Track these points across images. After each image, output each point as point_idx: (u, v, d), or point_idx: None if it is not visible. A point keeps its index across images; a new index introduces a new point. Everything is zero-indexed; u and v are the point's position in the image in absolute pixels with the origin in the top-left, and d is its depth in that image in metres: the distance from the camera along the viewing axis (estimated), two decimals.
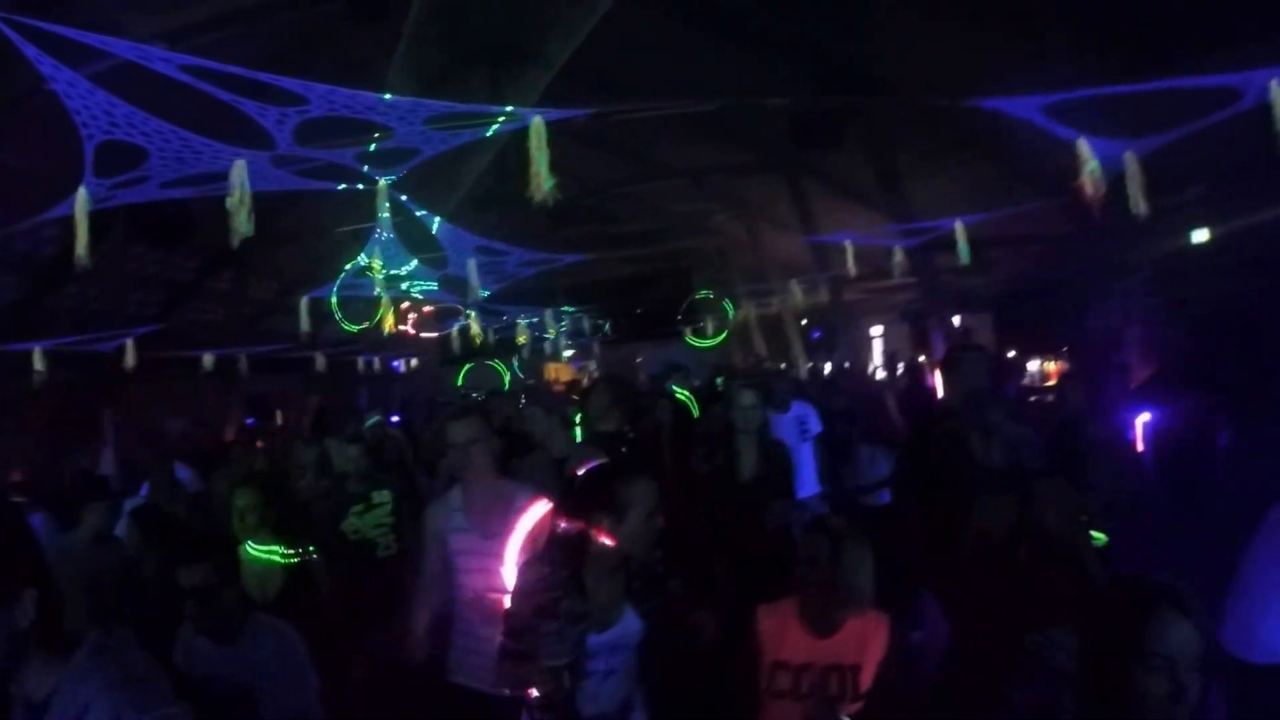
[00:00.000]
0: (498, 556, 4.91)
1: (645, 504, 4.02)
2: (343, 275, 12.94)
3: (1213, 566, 4.84)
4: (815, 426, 9.24)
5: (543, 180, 5.74)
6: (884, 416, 12.28)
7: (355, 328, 14.92)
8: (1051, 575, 5.32)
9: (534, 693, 4.07)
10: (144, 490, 8.67)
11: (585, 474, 5.32)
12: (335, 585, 5.97)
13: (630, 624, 4.14)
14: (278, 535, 5.76)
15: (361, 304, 14.84)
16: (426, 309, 21.67)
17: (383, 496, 7.33)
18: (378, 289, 11.32)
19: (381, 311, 12.73)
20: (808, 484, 9.02)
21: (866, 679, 4.12)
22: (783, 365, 20.92)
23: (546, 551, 4.30)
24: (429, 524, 5.29)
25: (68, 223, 11.93)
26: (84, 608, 5.09)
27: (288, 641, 4.34)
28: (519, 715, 4.38)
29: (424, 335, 22.37)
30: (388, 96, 5.44)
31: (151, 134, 5.69)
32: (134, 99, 5.31)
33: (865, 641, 4.15)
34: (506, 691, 4.54)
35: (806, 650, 4.14)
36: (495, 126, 6.55)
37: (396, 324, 13.22)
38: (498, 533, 4.97)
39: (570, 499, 4.92)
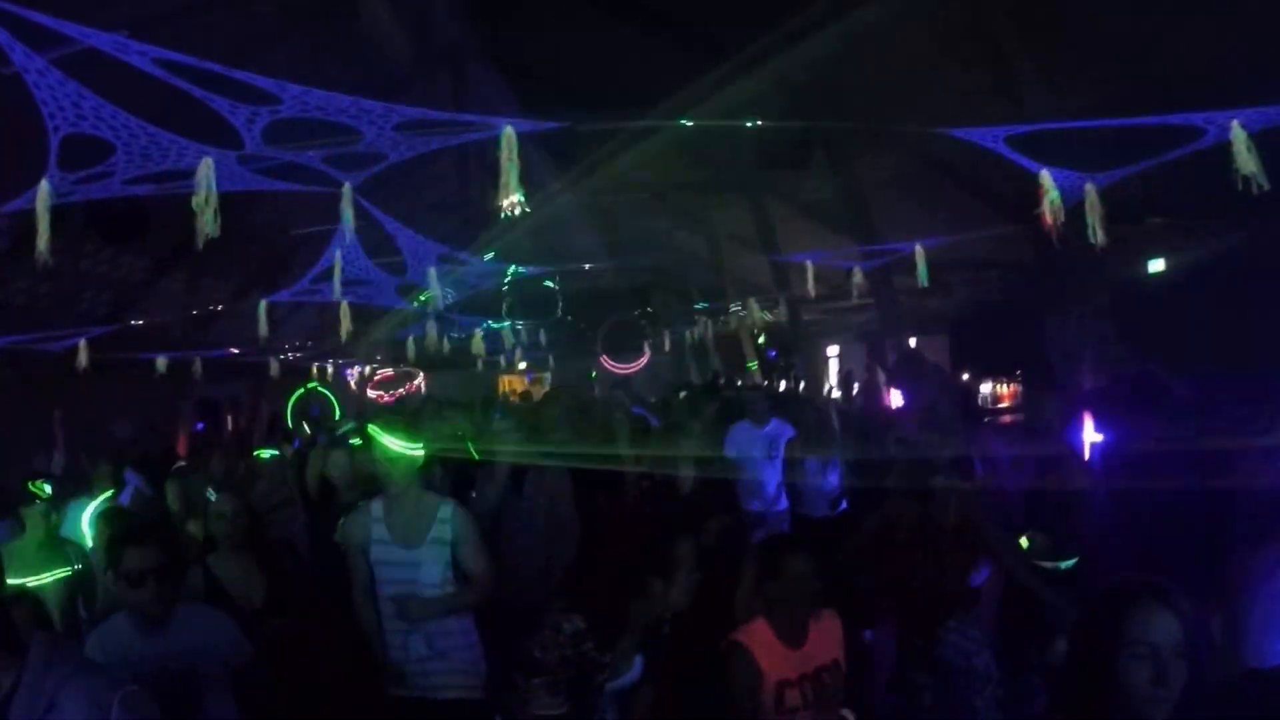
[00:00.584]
0: (417, 566, 5.12)
1: (690, 560, 4.23)
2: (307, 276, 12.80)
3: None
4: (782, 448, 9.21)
5: (512, 190, 5.71)
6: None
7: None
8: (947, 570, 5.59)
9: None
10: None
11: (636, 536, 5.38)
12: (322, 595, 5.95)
13: (635, 670, 4.33)
14: (252, 543, 5.82)
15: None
16: (385, 372, 21.84)
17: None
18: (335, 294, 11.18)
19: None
20: (773, 500, 9.05)
21: (843, 669, 4.40)
22: (765, 383, 20.94)
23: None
24: (349, 535, 5.45)
25: (15, 218, 11.83)
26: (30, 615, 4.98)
27: (216, 618, 4.54)
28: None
29: (384, 398, 22.47)
30: (367, 102, 5.35)
31: (119, 128, 5.58)
32: (103, 91, 5.20)
33: (832, 635, 4.39)
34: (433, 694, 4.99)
35: (795, 662, 4.24)
36: (461, 135, 6.54)
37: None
38: (418, 543, 5.17)
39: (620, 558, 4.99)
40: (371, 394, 23.08)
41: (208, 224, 5.84)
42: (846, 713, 4.25)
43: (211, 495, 7.10)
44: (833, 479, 9.32)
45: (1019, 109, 10.09)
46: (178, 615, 4.33)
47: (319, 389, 19.32)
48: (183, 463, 9.57)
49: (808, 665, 4.25)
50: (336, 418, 19.93)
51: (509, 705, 4.31)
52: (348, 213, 7.34)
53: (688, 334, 26.46)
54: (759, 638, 4.25)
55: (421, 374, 19.66)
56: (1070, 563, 5.91)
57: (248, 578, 5.75)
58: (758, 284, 21.52)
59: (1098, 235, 7.08)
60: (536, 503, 7.05)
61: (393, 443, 5.27)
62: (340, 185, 7.41)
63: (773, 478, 9.17)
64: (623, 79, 13.71)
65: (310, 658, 5.52)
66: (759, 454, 9.11)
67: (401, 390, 23.38)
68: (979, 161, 8.52)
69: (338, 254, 10.14)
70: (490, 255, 14.28)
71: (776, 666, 4.20)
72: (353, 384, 24.24)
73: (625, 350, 27.90)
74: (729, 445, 9.23)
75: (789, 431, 9.35)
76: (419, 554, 5.14)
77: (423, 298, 12.18)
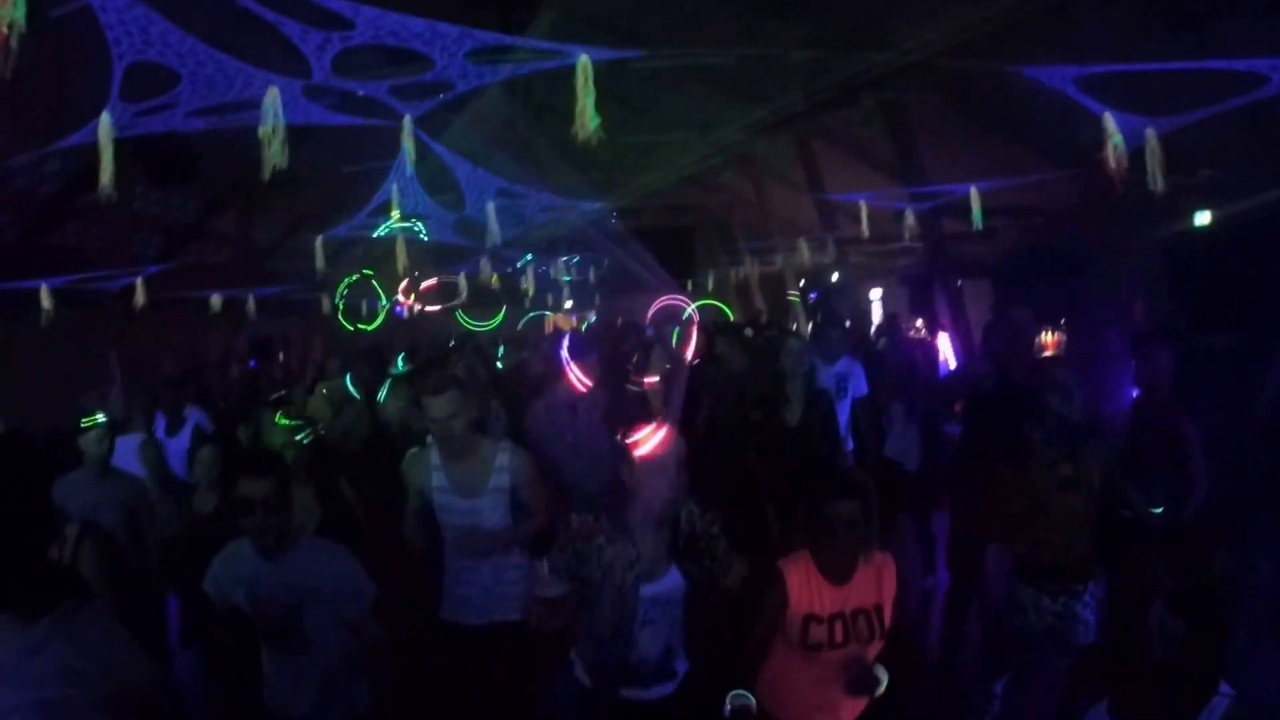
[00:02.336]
0: (477, 515, 5.19)
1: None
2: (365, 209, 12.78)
3: None
4: (859, 386, 9.02)
5: (588, 119, 5.63)
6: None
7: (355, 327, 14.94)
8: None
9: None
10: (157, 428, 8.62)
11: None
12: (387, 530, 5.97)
13: (674, 580, 4.22)
14: (310, 474, 5.89)
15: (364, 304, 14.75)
16: (429, 283, 21.71)
17: None
18: (390, 228, 11.11)
19: (383, 311, 12.65)
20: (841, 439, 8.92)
21: (887, 616, 4.28)
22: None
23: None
24: (409, 476, 5.45)
25: (66, 161, 11.83)
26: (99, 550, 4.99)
27: (336, 554, 4.48)
28: (503, 643, 4.93)
29: (428, 309, 22.32)
30: (441, 25, 5.23)
31: (185, 55, 5.49)
32: (171, 16, 5.11)
33: (880, 581, 4.28)
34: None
35: (831, 600, 4.21)
36: (529, 64, 6.43)
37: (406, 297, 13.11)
38: (478, 493, 5.22)
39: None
40: (416, 306, 22.88)
41: (275, 155, 5.76)
42: (879, 668, 4.15)
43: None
44: (911, 432, 9.17)
45: (1082, 49, 9.85)
46: (299, 547, 4.39)
47: (369, 278, 19.12)
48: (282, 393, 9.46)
49: (845, 605, 4.21)
50: (383, 307, 19.67)
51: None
52: (408, 144, 7.26)
53: (732, 274, 26.30)
54: (799, 568, 4.24)
55: (465, 290, 19.41)
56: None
57: (303, 508, 5.74)
58: (801, 226, 21.32)
59: (1158, 182, 6.92)
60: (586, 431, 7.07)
61: (436, 404, 5.20)
62: (401, 118, 7.33)
63: (840, 416, 8.99)
64: (670, 13, 13.51)
65: None
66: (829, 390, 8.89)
67: (442, 306, 22.99)
68: (1031, 104, 8.31)
69: (395, 188, 10.06)
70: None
71: (809, 600, 4.19)
72: (406, 315, 24.11)
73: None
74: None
75: (858, 370, 9.18)
76: (480, 503, 5.20)
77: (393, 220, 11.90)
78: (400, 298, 21.21)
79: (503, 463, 5.26)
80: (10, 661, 2.30)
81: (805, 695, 4.32)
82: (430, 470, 5.32)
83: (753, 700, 3.95)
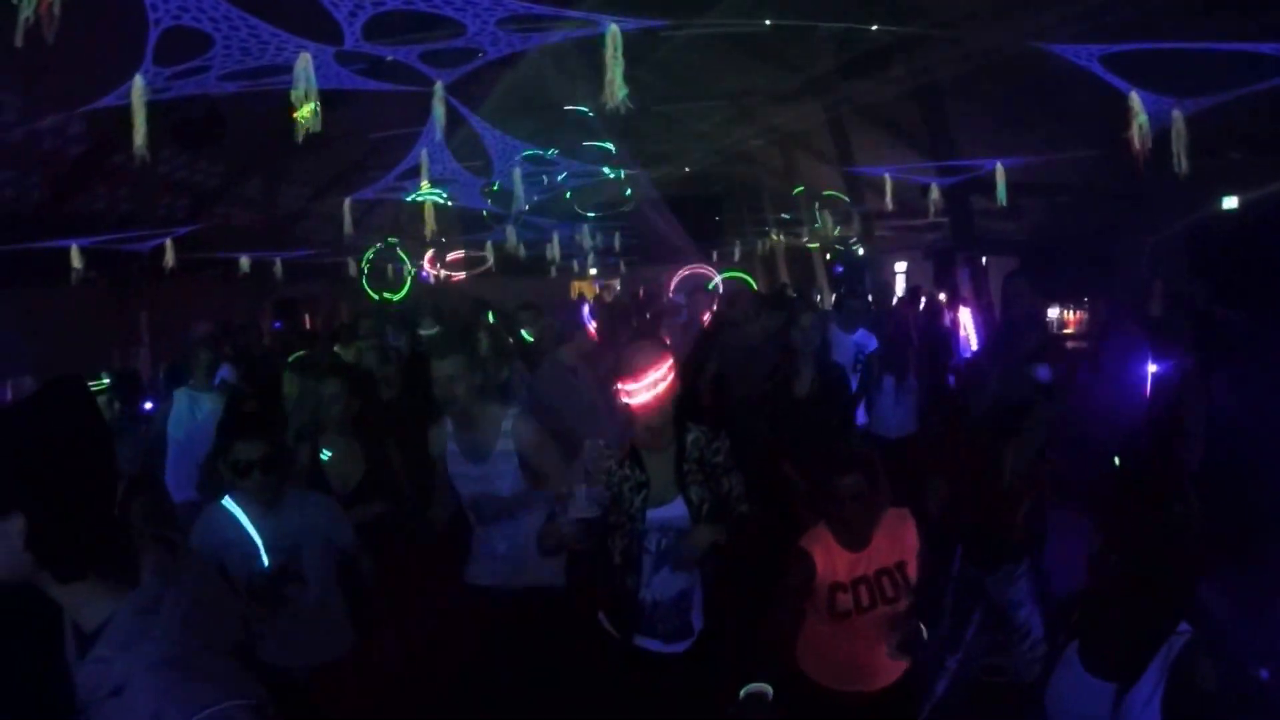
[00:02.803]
0: (486, 481, 5.21)
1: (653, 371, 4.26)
2: (392, 173, 12.81)
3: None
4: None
5: (617, 89, 5.64)
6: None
7: (382, 295, 14.95)
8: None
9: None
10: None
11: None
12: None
13: (681, 507, 4.33)
14: (358, 429, 5.97)
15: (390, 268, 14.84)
16: (455, 255, 21.77)
17: None
18: (420, 194, 11.16)
19: (409, 278, 12.66)
20: (858, 411, 8.94)
21: (911, 570, 4.28)
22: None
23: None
24: (432, 446, 5.51)
25: (94, 124, 11.88)
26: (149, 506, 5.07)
27: (322, 500, 4.79)
28: (530, 607, 5.02)
29: (454, 278, 22.34)
30: None
31: (219, 19, 5.53)
32: None
33: (900, 538, 4.30)
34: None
35: (851, 565, 4.24)
36: (567, 33, 6.45)
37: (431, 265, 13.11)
38: (485, 457, 5.22)
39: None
40: (442, 273, 22.92)
41: (306, 119, 5.80)
42: (918, 624, 4.11)
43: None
44: (906, 402, 9.16)
45: (1110, 25, 9.76)
46: (286, 498, 4.54)
47: (394, 246, 19.16)
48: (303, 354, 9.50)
49: (867, 568, 4.24)
50: (409, 273, 19.67)
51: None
52: (439, 109, 7.28)
53: (759, 245, 26.26)
54: (819, 540, 4.26)
55: (491, 258, 19.43)
56: None
57: (347, 462, 5.85)
58: (829, 198, 21.27)
59: (1182, 164, 6.89)
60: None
61: (439, 367, 5.24)
62: (432, 84, 7.35)
63: (856, 384, 9.01)
64: None
65: (394, 544, 5.69)
66: (847, 362, 8.89)
67: (465, 274, 23.03)
68: (1062, 80, 8.26)
69: (424, 153, 10.09)
70: (553, 152, 14.16)
71: (832, 570, 4.22)
72: (432, 280, 24.17)
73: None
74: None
75: (873, 342, 9.18)
76: (487, 468, 5.21)
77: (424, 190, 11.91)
78: (426, 265, 21.20)
79: (507, 428, 5.24)
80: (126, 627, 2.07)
81: (841, 661, 4.37)
82: (446, 437, 5.37)
83: (769, 690, 3.94)
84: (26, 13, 3.45)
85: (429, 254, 18.45)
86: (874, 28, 11.14)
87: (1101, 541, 3.14)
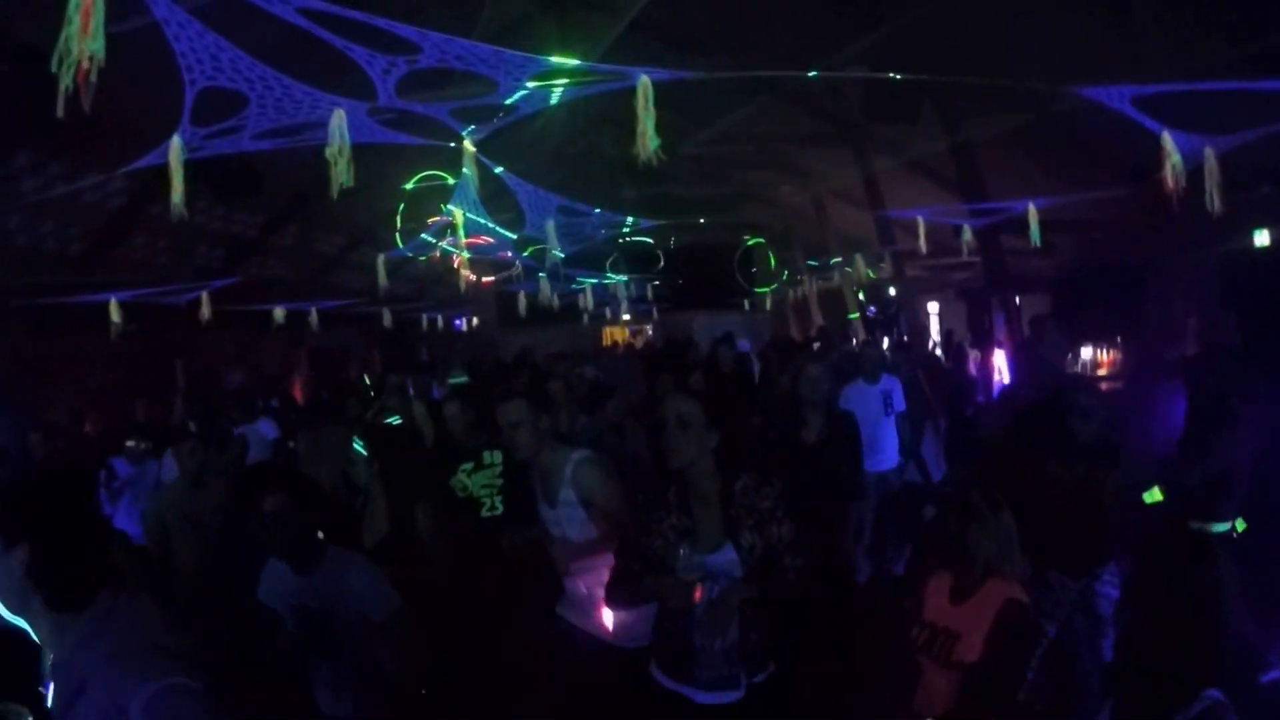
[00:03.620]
0: (559, 525, 5.27)
1: (676, 411, 4.27)
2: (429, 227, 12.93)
3: None
4: (899, 403, 9.18)
5: (649, 140, 5.66)
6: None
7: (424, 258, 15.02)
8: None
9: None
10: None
11: None
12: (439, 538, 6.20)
13: (729, 555, 4.27)
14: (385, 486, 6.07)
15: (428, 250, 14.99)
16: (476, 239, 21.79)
17: (494, 457, 7.17)
18: (451, 244, 11.26)
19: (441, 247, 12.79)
20: (890, 457, 8.98)
21: (965, 649, 4.19)
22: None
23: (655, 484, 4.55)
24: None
25: (132, 178, 12.05)
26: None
27: (361, 569, 4.60)
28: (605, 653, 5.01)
29: (481, 281, 22.30)
30: (507, 52, 5.31)
31: (254, 81, 5.60)
32: (240, 43, 5.22)
33: (978, 613, 4.23)
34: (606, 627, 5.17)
35: (937, 611, 4.35)
36: (589, 85, 6.48)
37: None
38: (554, 502, 5.28)
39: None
40: (472, 276, 22.91)
41: (342, 174, 5.86)
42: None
43: (357, 444, 7.17)
44: (928, 444, 9.27)
45: (1137, 68, 9.75)
46: (328, 559, 4.49)
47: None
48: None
49: (940, 620, 4.32)
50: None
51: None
52: (469, 168, 7.34)
53: (790, 292, 26.28)
54: (937, 580, 4.45)
55: (519, 262, 19.41)
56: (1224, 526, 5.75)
57: (376, 517, 6.15)
58: (860, 239, 21.26)
59: (1215, 203, 6.84)
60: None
61: (501, 411, 5.34)
62: (461, 138, 7.41)
63: (890, 434, 9.06)
64: (720, 23, 13.54)
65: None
66: (874, 411, 8.98)
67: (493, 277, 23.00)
68: (1091, 120, 8.26)
69: (459, 203, 10.16)
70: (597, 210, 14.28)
71: (929, 607, 4.39)
72: (465, 329, 24.35)
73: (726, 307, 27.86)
74: (844, 403, 9.10)
75: (899, 388, 9.26)
76: (557, 514, 5.26)
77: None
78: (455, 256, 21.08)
79: (568, 474, 5.27)
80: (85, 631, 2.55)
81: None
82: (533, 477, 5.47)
83: None
84: (65, 81, 3.50)
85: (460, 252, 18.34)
86: (902, 77, 11.14)
87: (1126, 602, 3.13)
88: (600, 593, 4.97)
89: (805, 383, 7.44)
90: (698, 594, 4.13)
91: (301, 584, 4.43)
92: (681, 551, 4.21)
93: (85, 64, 3.48)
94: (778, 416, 8.20)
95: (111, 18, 3.66)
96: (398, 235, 14.85)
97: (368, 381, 15.37)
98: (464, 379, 11.30)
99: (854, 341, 17.94)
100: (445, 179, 13.23)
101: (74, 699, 2.49)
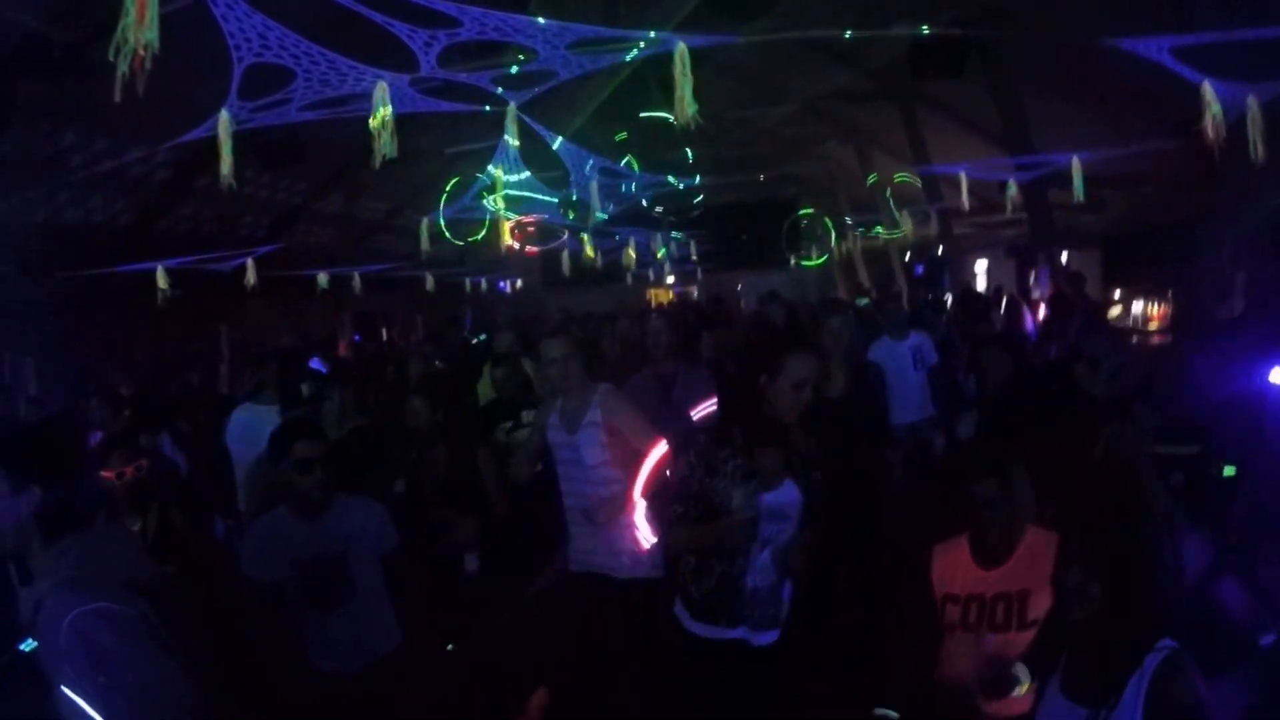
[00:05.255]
0: (574, 449, 5.52)
1: (796, 374, 4.39)
2: (470, 190, 12.99)
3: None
4: (931, 356, 9.22)
5: (686, 106, 5.71)
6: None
7: (468, 240, 15.11)
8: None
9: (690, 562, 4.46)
10: None
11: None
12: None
13: (789, 493, 4.41)
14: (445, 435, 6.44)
15: (470, 223, 15.06)
16: (530, 227, 21.82)
17: (532, 416, 7.37)
18: (494, 207, 11.34)
19: (486, 224, 12.87)
20: (917, 408, 9.01)
21: (1038, 604, 3.94)
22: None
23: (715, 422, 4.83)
24: (537, 417, 6.02)
25: (178, 150, 12.20)
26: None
27: (369, 506, 4.88)
28: (628, 592, 5.16)
29: (528, 250, 22.36)
30: (541, 20, 5.36)
31: (300, 56, 5.69)
32: (285, 21, 5.31)
33: (1034, 563, 3.98)
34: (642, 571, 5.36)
35: (974, 581, 4.08)
36: (636, 52, 6.52)
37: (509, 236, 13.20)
38: (575, 429, 5.53)
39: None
40: (516, 245, 23.01)
41: (385, 145, 5.96)
42: (1019, 668, 3.67)
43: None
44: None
45: (1181, 16, 9.60)
46: (335, 505, 4.68)
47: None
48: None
49: (988, 588, 4.02)
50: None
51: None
52: (511, 129, 7.40)
53: (837, 246, 26.15)
54: (951, 550, 4.20)
55: (567, 233, 19.41)
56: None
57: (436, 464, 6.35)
58: (906, 196, 21.10)
59: (1258, 151, 6.76)
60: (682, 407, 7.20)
61: (550, 346, 5.64)
62: (505, 104, 7.47)
63: (918, 384, 9.11)
64: None
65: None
66: (903, 366, 9.04)
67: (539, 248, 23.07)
68: (1139, 73, 8.17)
69: (500, 169, 10.22)
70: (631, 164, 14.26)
71: (949, 580, 4.12)
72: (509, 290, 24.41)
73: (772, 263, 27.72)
74: (871, 357, 9.17)
75: (929, 342, 9.31)
76: (578, 437, 5.51)
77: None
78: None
79: (595, 400, 5.56)
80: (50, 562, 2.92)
81: (946, 679, 4.16)
82: (552, 411, 5.73)
83: (896, 716, 3.96)
84: (122, 68, 3.61)
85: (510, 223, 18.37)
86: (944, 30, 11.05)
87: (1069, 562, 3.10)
88: (623, 540, 5.36)
89: (827, 335, 7.40)
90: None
91: (310, 530, 4.61)
92: (740, 490, 4.30)
93: (141, 52, 3.59)
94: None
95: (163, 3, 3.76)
96: (442, 203, 14.93)
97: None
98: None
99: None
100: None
101: (36, 615, 2.79)
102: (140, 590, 2.83)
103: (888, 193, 20.83)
